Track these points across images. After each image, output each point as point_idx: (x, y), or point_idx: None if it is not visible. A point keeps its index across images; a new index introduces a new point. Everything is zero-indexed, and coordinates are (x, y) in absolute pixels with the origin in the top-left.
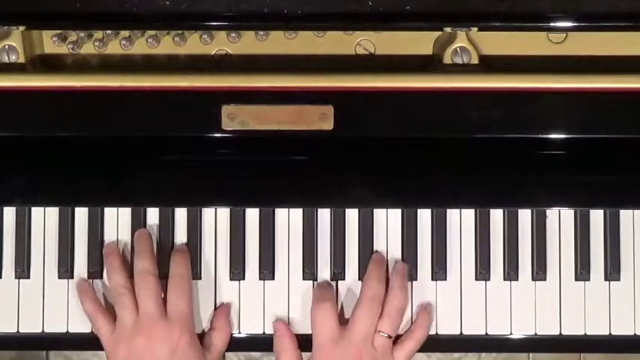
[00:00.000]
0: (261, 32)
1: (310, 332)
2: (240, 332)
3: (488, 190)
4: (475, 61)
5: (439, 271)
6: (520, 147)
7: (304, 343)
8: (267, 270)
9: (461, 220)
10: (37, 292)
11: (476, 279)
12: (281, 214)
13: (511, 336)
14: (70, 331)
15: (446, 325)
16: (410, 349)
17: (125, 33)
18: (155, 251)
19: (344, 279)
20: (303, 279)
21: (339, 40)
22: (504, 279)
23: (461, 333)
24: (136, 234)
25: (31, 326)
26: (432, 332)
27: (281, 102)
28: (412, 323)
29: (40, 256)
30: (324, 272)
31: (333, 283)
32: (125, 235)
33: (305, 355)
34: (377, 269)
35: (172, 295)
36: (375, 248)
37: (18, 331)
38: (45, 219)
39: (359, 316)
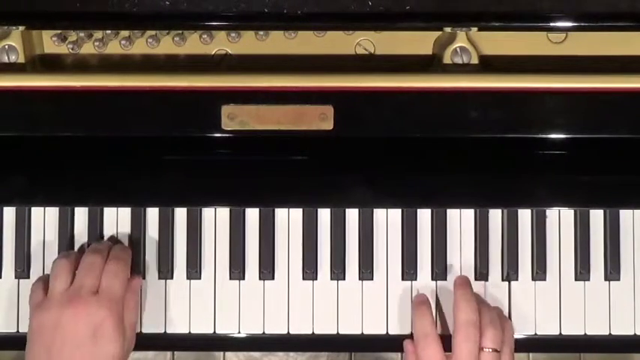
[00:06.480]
0: (261, 32)
1: (309, 332)
2: (240, 332)
3: (489, 190)
4: (475, 61)
5: (439, 271)
6: (520, 147)
7: (303, 343)
8: (267, 270)
9: (461, 220)
10: None
11: (476, 279)
12: (281, 214)
13: None
14: None
15: (446, 326)
16: (509, 354)
17: (125, 33)
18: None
19: (344, 279)
20: (303, 279)
21: (339, 40)
22: (504, 279)
23: None
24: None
25: None
26: None
27: (281, 102)
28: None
29: (40, 256)
30: (324, 272)
31: (334, 283)
32: (125, 236)
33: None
34: (464, 290)
35: (107, 274)
36: (375, 248)
37: (18, 331)
38: (45, 219)
39: (459, 342)
